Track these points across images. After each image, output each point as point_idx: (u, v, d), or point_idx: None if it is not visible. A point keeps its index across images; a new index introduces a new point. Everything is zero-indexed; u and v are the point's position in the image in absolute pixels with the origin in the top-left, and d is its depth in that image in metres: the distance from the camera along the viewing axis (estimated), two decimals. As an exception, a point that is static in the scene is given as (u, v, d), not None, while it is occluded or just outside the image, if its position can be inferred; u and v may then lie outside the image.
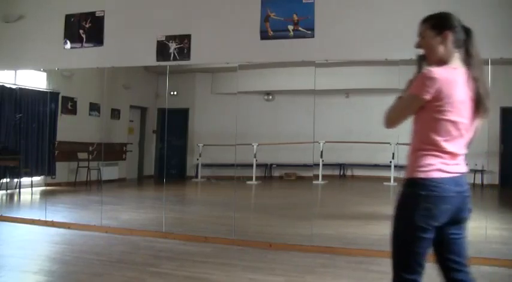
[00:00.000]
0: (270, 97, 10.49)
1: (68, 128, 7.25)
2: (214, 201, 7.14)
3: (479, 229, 4.20)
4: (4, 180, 6.48)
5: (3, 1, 5.58)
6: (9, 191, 6.61)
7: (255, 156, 8.92)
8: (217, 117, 9.06)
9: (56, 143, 7.00)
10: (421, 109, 1.65)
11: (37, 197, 6.73)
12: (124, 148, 8.89)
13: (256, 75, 8.62)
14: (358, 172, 9.83)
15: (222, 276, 3.22)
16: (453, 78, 1.63)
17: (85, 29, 5.08)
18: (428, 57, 1.74)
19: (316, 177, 8.05)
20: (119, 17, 4.97)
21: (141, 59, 4.99)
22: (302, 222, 4.86)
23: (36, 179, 6.87)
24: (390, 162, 7.66)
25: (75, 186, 7.53)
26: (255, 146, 8.93)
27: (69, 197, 7.16)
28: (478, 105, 1.67)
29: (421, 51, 1.77)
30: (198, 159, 9.54)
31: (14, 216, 5.25)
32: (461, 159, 1.72)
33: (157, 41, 4.78)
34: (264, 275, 3.28)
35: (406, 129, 1.84)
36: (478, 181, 7.07)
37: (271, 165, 10.05)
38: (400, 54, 4.06)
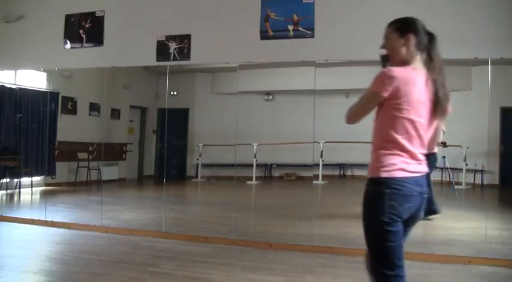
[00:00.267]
0: (270, 97, 10.48)
1: (68, 128, 7.25)
2: (214, 201, 7.14)
3: (479, 229, 4.21)
4: (4, 180, 6.48)
5: (3, 1, 5.58)
6: (9, 191, 6.61)
7: (255, 156, 8.92)
8: (217, 117, 9.06)
9: (56, 143, 7.00)
10: (381, 107, 1.73)
11: (37, 197, 6.73)
12: (124, 148, 8.88)
13: (256, 75, 8.61)
14: (358, 172, 9.82)
15: (222, 276, 3.22)
16: (412, 78, 1.70)
17: (85, 29, 5.08)
18: (392, 58, 1.82)
19: (316, 177, 8.05)
20: (119, 17, 4.97)
21: (141, 59, 4.99)
22: (302, 222, 4.86)
23: (36, 179, 6.87)
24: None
25: (75, 186, 7.53)
26: (255, 146, 8.93)
27: (69, 197, 7.16)
28: (437, 106, 1.73)
29: (384, 52, 1.85)
30: (198, 159, 9.54)
31: (14, 216, 5.25)
32: (421, 159, 1.76)
33: (157, 41, 4.78)
34: (264, 275, 3.28)
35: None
36: (478, 181, 7.07)
37: (271, 165, 10.04)
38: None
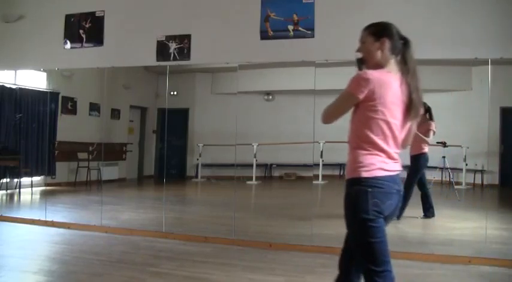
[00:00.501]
0: (270, 97, 10.48)
1: (68, 128, 7.25)
2: (214, 201, 7.14)
3: (479, 229, 4.20)
4: (4, 180, 6.48)
5: (3, 1, 5.58)
6: (9, 191, 6.61)
7: (255, 156, 8.91)
8: (217, 117, 9.06)
9: (56, 143, 7.00)
10: (356, 108, 1.79)
11: (37, 197, 6.73)
12: (124, 148, 8.88)
13: (256, 75, 8.61)
14: (358, 172, 9.82)
15: (222, 276, 3.22)
16: (387, 81, 1.76)
17: (85, 29, 5.08)
18: (367, 61, 1.88)
19: (316, 177, 8.04)
20: (118, 17, 4.97)
21: (141, 59, 4.99)
22: (302, 222, 4.86)
23: (36, 179, 6.87)
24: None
25: (75, 186, 7.53)
26: (255, 146, 8.93)
27: (69, 197, 7.15)
28: (410, 108, 1.80)
29: (360, 55, 1.92)
30: (198, 159, 9.53)
31: (14, 216, 5.25)
32: (396, 158, 1.83)
33: (157, 41, 4.78)
34: (264, 275, 3.28)
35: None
36: (478, 181, 7.06)
37: (271, 165, 10.04)
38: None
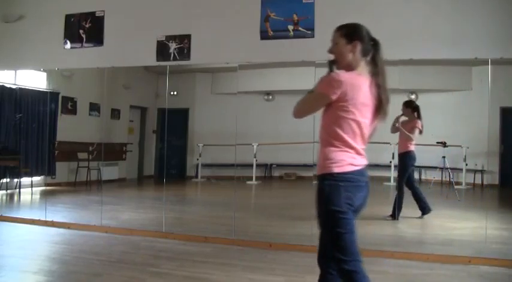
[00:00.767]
0: (270, 97, 10.48)
1: (68, 128, 7.25)
2: (214, 201, 7.14)
3: (479, 229, 4.20)
4: (4, 180, 6.48)
5: (3, 1, 5.58)
6: (9, 191, 6.61)
7: (255, 156, 8.92)
8: (217, 117, 9.05)
9: (56, 143, 7.00)
10: (328, 107, 1.89)
11: (37, 197, 6.73)
12: (124, 148, 8.88)
13: (256, 75, 8.61)
14: (358, 172, 9.83)
15: (222, 276, 3.22)
16: (358, 83, 1.85)
17: (85, 29, 5.07)
18: (339, 62, 1.96)
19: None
20: (118, 17, 4.97)
21: (141, 59, 4.98)
22: (302, 222, 4.86)
23: (36, 179, 6.87)
24: (390, 162, 7.66)
25: (75, 186, 7.53)
26: (255, 146, 8.93)
27: (69, 197, 7.15)
28: (379, 108, 1.91)
29: (332, 57, 1.99)
30: (198, 159, 9.54)
31: (14, 216, 5.25)
32: (363, 153, 1.96)
33: (157, 41, 4.78)
34: (264, 275, 3.28)
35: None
36: (478, 181, 7.07)
37: (271, 165, 10.04)
38: (400, 54, 4.06)
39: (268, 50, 4.44)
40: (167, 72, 5.03)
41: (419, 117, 5.22)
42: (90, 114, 7.99)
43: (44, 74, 6.78)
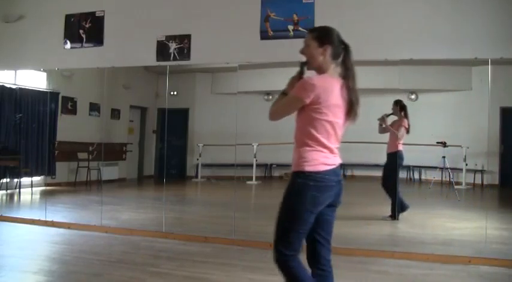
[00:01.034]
0: (270, 97, 10.46)
1: (68, 128, 7.25)
2: (214, 201, 7.14)
3: (479, 229, 4.21)
4: (4, 180, 6.48)
5: (3, 1, 5.58)
6: (9, 191, 6.61)
7: (255, 156, 8.91)
8: (217, 117, 9.05)
9: (56, 143, 7.00)
10: (302, 109, 1.97)
11: (37, 197, 6.73)
12: (124, 148, 8.88)
13: (256, 75, 8.60)
14: (358, 172, 9.80)
15: (222, 276, 3.22)
16: (330, 86, 1.93)
17: (85, 29, 5.07)
18: (309, 63, 2.06)
19: (316, 177, 8.05)
20: (118, 17, 4.97)
21: (141, 59, 4.98)
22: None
23: (36, 179, 6.87)
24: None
25: (75, 186, 7.53)
26: (255, 146, 8.93)
27: (69, 197, 7.15)
28: (350, 110, 1.98)
29: (304, 58, 2.08)
30: (198, 159, 9.53)
31: (14, 216, 5.25)
32: (337, 153, 2.03)
33: (157, 41, 4.77)
34: (264, 275, 3.29)
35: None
36: (478, 181, 7.07)
37: (271, 165, 10.03)
38: (400, 54, 4.06)
39: (268, 50, 4.43)
40: (167, 72, 5.03)
41: (406, 116, 5.29)
42: (90, 114, 7.99)
43: (44, 74, 6.78)
